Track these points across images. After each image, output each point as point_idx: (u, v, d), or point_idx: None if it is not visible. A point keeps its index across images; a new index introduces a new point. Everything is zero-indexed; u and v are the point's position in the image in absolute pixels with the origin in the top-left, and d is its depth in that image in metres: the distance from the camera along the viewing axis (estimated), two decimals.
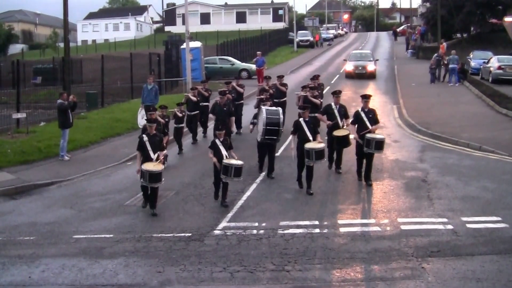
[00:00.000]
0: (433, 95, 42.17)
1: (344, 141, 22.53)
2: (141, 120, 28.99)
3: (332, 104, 23.13)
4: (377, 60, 60.89)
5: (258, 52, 57.42)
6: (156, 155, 19.42)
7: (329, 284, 13.61)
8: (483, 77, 49.40)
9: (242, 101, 32.98)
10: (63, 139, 27.42)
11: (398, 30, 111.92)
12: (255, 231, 17.12)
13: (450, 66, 48.76)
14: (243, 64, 63.26)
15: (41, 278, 14.72)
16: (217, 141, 19.99)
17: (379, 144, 21.15)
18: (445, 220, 17.32)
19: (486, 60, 50.52)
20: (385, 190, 20.52)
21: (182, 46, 53.07)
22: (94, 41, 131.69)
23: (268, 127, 22.45)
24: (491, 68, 47.25)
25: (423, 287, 13.15)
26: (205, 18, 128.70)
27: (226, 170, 19.29)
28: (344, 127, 22.72)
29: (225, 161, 19.43)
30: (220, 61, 62.14)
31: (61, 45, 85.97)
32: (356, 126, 21.91)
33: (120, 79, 50.87)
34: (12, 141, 29.53)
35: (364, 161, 21.72)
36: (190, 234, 17.22)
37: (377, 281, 13.48)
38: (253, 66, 60.29)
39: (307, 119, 21.14)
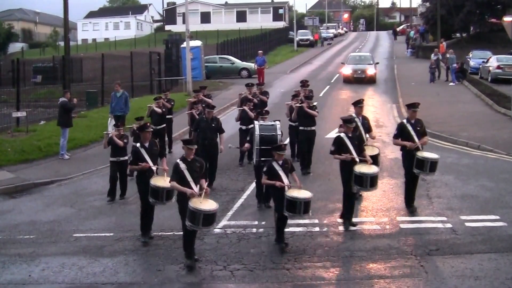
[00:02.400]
0: (433, 95, 42.18)
1: (373, 162, 17.79)
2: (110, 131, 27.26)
3: (354, 115, 19.39)
4: (377, 63, 56.61)
5: (260, 51, 57.34)
6: (198, 186, 14.91)
7: (329, 283, 13.65)
8: (482, 76, 49.49)
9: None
10: (63, 138, 27.44)
11: (398, 29, 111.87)
12: (255, 230, 17.15)
13: (452, 65, 48.91)
14: (243, 63, 63.26)
15: (41, 276, 14.75)
16: (274, 164, 15.71)
17: (434, 166, 17.93)
18: (444, 218, 17.38)
19: (485, 60, 50.56)
20: (384, 189, 20.54)
21: (182, 45, 53.18)
22: (94, 40, 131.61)
23: (262, 147, 18.59)
24: (490, 68, 47.29)
25: (422, 285, 13.20)
26: (205, 17, 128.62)
27: (293, 206, 15.18)
28: (368, 143, 19.29)
29: (291, 194, 15.27)
30: (220, 60, 62.14)
31: (61, 43, 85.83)
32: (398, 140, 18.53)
33: (120, 78, 50.82)
34: (12, 139, 29.58)
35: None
36: None
37: (376, 279, 13.51)
38: (253, 65, 60.29)
39: (350, 135, 17.15)
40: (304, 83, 27.03)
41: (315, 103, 24.83)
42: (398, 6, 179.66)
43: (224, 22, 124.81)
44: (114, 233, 17.74)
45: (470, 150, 26.10)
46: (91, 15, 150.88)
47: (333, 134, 29.56)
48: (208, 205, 14.39)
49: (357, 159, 16.79)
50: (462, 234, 16.09)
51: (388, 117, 36.00)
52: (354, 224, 17.00)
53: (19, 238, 17.91)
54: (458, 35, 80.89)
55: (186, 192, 14.47)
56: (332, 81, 53.27)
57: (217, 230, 17.14)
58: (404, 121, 18.66)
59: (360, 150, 17.14)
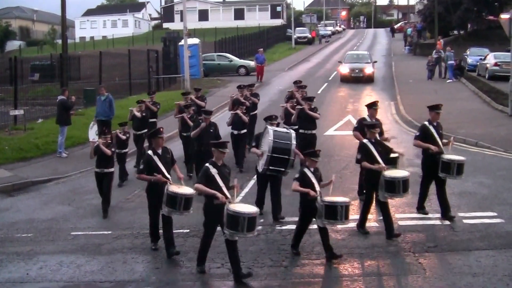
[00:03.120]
0: (430, 92, 42.16)
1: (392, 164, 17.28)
2: (96, 137, 25.15)
3: (367, 118, 19.10)
4: (375, 62, 55.36)
5: (260, 49, 57.38)
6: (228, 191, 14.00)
7: (327, 280, 13.69)
8: (480, 73, 49.53)
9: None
10: (61, 136, 27.45)
11: (395, 27, 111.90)
12: None
13: (449, 62, 48.95)
14: (241, 60, 63.32)
15: (39, 275, 14.76)
16: (306, 171, 14.76)
17: (461, 168, 17.21)
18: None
19: (482, 57, 50.64)
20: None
21: (180, 43, 53.31)
22: (92, 37, 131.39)
23: (274, 155, 17.41)
24: (488, 65, 47.39)
25: (420, 282, 13.19)
26: (203, 15, 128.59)
27: (334, 212, 14.32)
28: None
29: (329, 199, 14.44)
30: (218, 58, 62.27)
31: (59, 41, 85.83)
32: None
33: (118, 75, 50.88)
34: (10, 138, 29.58)
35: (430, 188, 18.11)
36: (188, 230, 17.31)
37: (374, 277, 13.54)
38: (251, 63, 60.40)
39: (373, 140, 16.45)
40: (299, 84, 26.57)
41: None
42: (396, 3, 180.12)
43: (222, 19, 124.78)
44: (112, 231, 17.77)
45: (467, 147, 26.10)
46: (89, 12, 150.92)
47: (331, 131, 29.78)
48: (249, 208, 13.63)
49: (385, 168, 15.95)
50: (460, 231, 16.10)
51: (386, 114, 35.99)
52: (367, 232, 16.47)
53: (17, 236, 17.93)
54: (455, 32, 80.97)
55: (214, 195, 13.54)
56: (330, 78, 53.27)
57: None
58: (426, 123, 17.92)
59: (384, 156, 16.38)
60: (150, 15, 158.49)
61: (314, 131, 22.76)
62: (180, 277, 14.17)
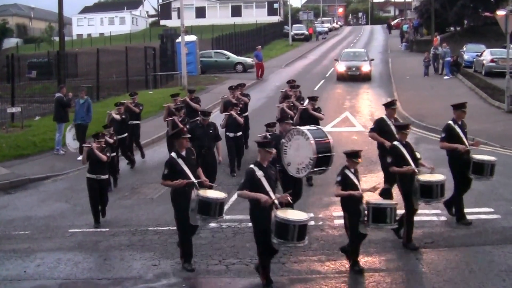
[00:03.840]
0: (427, 88, 42.31)
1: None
2: (72, 142, 26.37)
3: (386, 118, 18.12)
4: (372, 59, 53.23)
5: (258, 47, 57.39)
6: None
7: (324, 276, 13.69)
8: (476, 70, 49.63)
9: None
10: (59, 133, 27.44)
11: (392, 23, 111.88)
12: (250, 224, 17.13)
13: (446, 59, 49.10)
14: (238, 57, 63.33)
15: (37, 272, 14.80)
16: (348, 172, 13.84)
17: (493, 168, 16.49)
18: (438, 211, 17.41)
19: (479, 53, 50.78)
20: (379, 182, 20.56)
21: (177, 40, 53.35)
22: (89, 35, 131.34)
23: (319, 155, 15.76)
24: (484, 61, 47.49)
25: (417, 278, 13.30)
26: (200, 12, 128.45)
27: (384, 215, 13.63)
28: None
29: (377, 201, 14.09)
30: (215, 55, 62.24)
31: (56, 39, 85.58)
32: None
33: (116, 72, 50.94)
34: (7, 135, 29.62)
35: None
36: None
37: (372, 272, 13.56)
38: (248, 60, 60.66)
39: (404, 142, 15.38)
40: (292, 84, 25.56)
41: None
42: (393, 0, 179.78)
43: (219, 16, 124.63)
44: (109, 228, 17.82)
45: None
46: (86, 10, 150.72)
47: (329, 128, 29.78)
48: (299, 214, 12.61)
49: (416, 170, 15.03)
50: (457, 227, 16.15)
51: (383, 111, 35.92)
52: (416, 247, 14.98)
53: (14, 233, 17.97)
54: (452, 28, 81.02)
55: (259, 198, 12.48)
56: (327, 75, 53.24)
57: (212, 225, 17.15)
58: (451, 122, 17.12)
59: (415, 158, 15.33)
60: (147, 12, 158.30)
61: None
62: (178, 274, 14.16)
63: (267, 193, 12.54)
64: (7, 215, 19.87)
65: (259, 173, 12.72)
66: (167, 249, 15.63)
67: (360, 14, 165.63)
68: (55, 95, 28.48)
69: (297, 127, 16.83)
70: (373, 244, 15.20)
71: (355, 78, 49.06)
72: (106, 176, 18.78)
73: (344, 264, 14.11)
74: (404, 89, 42.12)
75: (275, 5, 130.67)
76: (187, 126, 20.97)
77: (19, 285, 14.16)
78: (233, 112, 22.39)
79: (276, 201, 12.54)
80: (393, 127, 17.23)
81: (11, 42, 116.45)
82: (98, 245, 16.53)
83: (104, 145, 18.67)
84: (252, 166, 12.93)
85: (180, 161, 14.17)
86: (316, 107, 21.88)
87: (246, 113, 25.49)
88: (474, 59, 51.09)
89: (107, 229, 17.75)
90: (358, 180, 13.89)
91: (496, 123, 29.59)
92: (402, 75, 50.19)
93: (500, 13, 33.90)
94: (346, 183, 13.64)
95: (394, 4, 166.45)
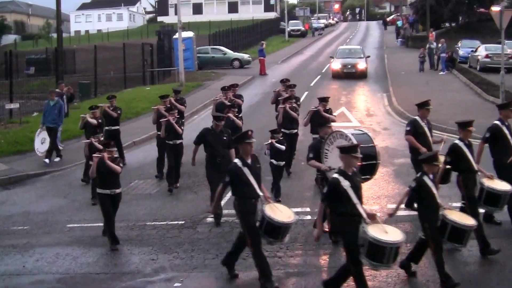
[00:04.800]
0: (422, 83, 42.46)
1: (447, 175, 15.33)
2: (41, 146, 25.40)
3: (419, 119, 16.82)
4: (368, 56, 52.60)
5: (263, 42, 57.57)
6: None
7: (321, 270, 13.80)
8: (471, 65, 49.89)
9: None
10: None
11: (388, 19, 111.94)
12: None
13: (441, 55, 49.34)
14: (235, 53, 63.51)
15: (35, 267, 14.90)
16: (426, 179, 12.31)
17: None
18: None
19: (474, 49, 51.11)
20: (375, 177, 20.65)
21: (174, 36, 53.44)
22: (87, 31, 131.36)
23: (363, 163, 13.88)
24: (479, 57, 47.80)
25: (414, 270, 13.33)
26: (197, 8, 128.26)
27: (462, 236, 12.41)
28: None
29: (452, 217, 12.43)
30: (212, 51, 62.41)
31: (54, 35, 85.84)
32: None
33: (113, 69, 51.04)
34: (5, 131, 29.72)
35: None
36: (183, 222, 17.45)
37: (368, 266, 13.65)
38: (245, 56, 61.11)
39: (467, 142, 14.40)
40: (286, 83, 24.53)
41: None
42: None
43: (216, 13, 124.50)
44: None
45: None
46: (84, 6, 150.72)
47: None
48: (394, 233, 11.39)
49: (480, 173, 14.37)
50: None
51: (379, 106, 36.32)
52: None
53: (13, 229, 18.05)
54: (447, 25, 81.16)
55: (360, 214, 11.34)
56: (323, 71, 53.30)
57: (209, 219, 17.31)
58: (498, 122, 15.79)
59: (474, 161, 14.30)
60: (144, 8, 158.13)
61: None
62: (175, 268, 14.26)
63: (355, 207, 11.30)
64: (5, 211, 19.96)
65: (345, 184, 11.32)
66: (164, 243, 15.74)
67: (357, 10, 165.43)
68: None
69: (341, 130, 15.71)
70: None
71: (351, 76, 48.09)
72: (120, 190, 16.12)
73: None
74: (400, 85, 42.23)
75: (272, 2, 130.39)
76: (182, 128, 20.66)
77: (18, 280, 14.24)
78: (230, 114, 20.55)
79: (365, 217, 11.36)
80: (426, 129, 16.51)
81: (9, 39, 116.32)
82: (96, 240, 16.59)
83: (116, 155, 16.50)
84: (336, 175, 11.55)
85: (246, 170, 12.64)
86: (327, 108, 20.84)
87: (240, 115, 23.71)
88: (469, 55, 51.40)
89: None
90: (436, 188, 12.65)
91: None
92: (398, 71, 50.31)
93: (495, 9, 34.03)
94: (421, 191, 12.33)
95: (389, 0, 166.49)
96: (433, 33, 59.74)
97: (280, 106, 21.89)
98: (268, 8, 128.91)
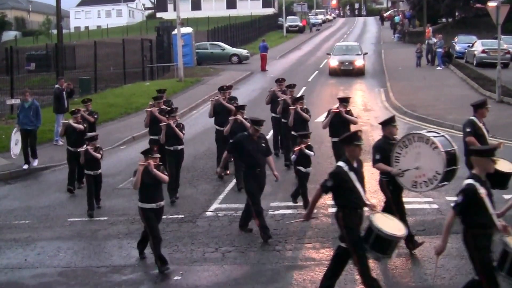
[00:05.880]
0: (419, 79, 42.66)
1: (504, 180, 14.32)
2: (15, 147, 24.20)
3: (476, 120, 15.45)
4: (365, 53, 51.54)
5: (263, 39, 57.88)
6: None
7: (319, 263, 13.85)
8: (468, 60, 50.26)
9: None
10: (57, 124, 27.56)
11: (385, 15, 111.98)
12: None
13: (438, 50, 49.56)
14: (234, 49, 63.86)
15: (37, 260, 15.06)
16: (478, 185, 10.33)
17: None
18: (430, 199, 17.71)
19: (470, 44, 51.44)
20: (372, 171, 20.70)
21: (173, 32, 53.60)
22: (87, 27, 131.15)
23: (448, 169, 13.22)
24: (475, 52, 48.12)
25: (410, 264, 13.57)
26: (196, 4, 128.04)
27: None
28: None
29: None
30: (211, 47, 62.67)
31: (54, 31, 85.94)
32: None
33: (113, 65, 51.18)
34: (7, 126, 29.82)
35: None
36: (182, 216, 17.58)
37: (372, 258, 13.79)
38: (243, 51, 61.43)
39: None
40: (282, 82, 23.76)
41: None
42: None
43: (215, 9, 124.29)
44: (108, 217, 18.07)
45: (456, 132, 26.20)
46: (84, 3, 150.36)
47: (323, 118, 30.04)
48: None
49: None
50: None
51: (376, 101, 36.52)
52: None
53: (14, 223, 18.21)
54: (444, 20, 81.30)
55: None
56: (320, 66, 53.43)
57: (208, 213, 17.49)
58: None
59: None
60: (143, 5, 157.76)
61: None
62: (175, 261, 14.37)
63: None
64: (7, 205, 20.12)
65: (482, 191, 10.24)
66: (164, 237, 15.68)
67: (356, 5, 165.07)
68: (54, 87, 28.71)
69: (419, 132, 14.09)
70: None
71: (348, 73, 47.46)
72: (164, 202, 14.53)
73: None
74: (397, 80, 42.42)
75: None
76: (183, 132, 19.38)
77: (20, 273, 14.40)
78: (239, 116, 18.99)
79: None
80: (485, 130, 15.25)
81: (9, 35, 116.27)
82: (97, 233, 16.79)
83: (160, 163, 14.40)
84: (470, 181, 10.41)
85: (352, 175, 11.14)
86: (348, 109, 19.38)
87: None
88: (466, 50, 51.80)
89: (105, 218, 18.01)
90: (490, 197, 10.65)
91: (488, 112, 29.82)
92: (395, 66, 50.47)
93: (491, 4, 34.17)
94: (470, 199, 10.54)
95: None
96: (430, 28, 59.95)
97: (290, 107, 20.62)
98: (266, 4, 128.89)
